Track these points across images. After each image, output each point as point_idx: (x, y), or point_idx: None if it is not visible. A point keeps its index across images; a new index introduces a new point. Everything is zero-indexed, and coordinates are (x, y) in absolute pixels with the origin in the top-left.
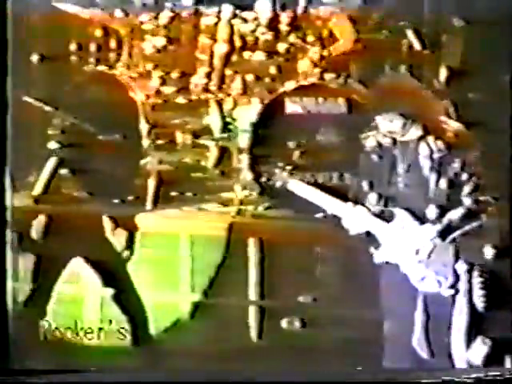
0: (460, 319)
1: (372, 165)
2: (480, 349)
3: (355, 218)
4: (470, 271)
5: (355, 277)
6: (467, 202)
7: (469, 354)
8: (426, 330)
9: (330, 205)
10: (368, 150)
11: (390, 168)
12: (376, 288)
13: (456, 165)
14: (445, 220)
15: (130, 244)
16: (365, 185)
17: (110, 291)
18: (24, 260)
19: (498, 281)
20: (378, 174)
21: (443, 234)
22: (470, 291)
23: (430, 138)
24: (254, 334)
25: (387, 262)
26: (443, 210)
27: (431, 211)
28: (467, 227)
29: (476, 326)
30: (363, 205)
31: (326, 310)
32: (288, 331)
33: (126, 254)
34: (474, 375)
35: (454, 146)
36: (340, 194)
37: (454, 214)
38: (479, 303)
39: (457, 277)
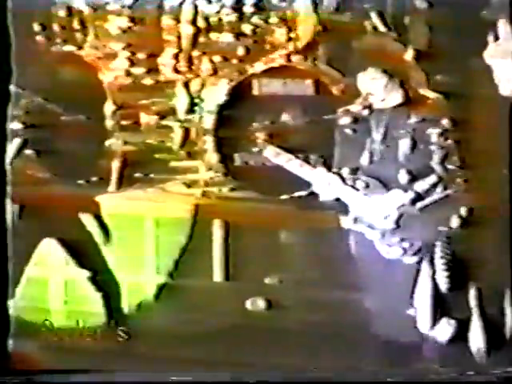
0: (424, 298)
1: (346, 138)
2: (445, 329)
3: (327, 185)
4: (434, 248)
5: (322, 257)
6: (438, 170)
7: (434, 332)
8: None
9: (304, 172)
10: (341, 125)
11: (364, 137)
12: (344, 267)
13: (430, 133)
14: (415, 187)
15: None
16: (338, 155)
17: (86, 273)
18: None
19: (462, 254)
20: (353, 145)
21: (413, 202)
22: (433, 270)
23: (409, 105)
24: (218, 315)
25: (351, 230)
26: (414, 177)
27: (402, 177)
28: (437, 196)
29: (440, 306)
30: (336, 173)
31: (291, 291)
32: (253, 312)
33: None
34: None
35: (430, 114)
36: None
37: (425, 182)
38: (442, 284)
39: (423, 245)
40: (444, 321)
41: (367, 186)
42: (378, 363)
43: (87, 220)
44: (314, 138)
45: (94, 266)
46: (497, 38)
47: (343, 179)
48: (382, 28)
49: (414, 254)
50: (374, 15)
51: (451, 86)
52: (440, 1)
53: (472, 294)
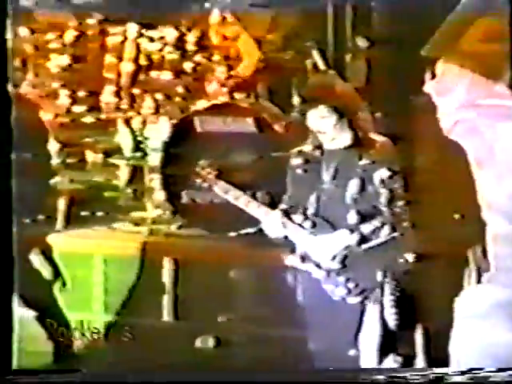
0: (372, 335)
1: (296, 178)
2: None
3: (275, 223)
4: (381, 287)
5: (270, 295)
6: (386, 212)
7: None
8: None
9: (252, 209)
10: (293, 165)
11: (315, 178)
12: (292, 306)
13: (379, 175)
14: (362, 229)
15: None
16: (288, 194)
17: (32, 313)
18: None
19: (410, 295)
20: (302, 185)
21: (359, 243)
22: (382, 309)
23: (359, 147)
24: (168, 354)
25: (298, 269)
26: (362, 219)
27: (350, 218)
28: (383, 238)
29: (388, 344)
30: (285, 213)
31: (240, 329)
32: (202, 351)
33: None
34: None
35: (379, 157)
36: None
37: (371, 224)
38: (391, 321)
39: (369, 285)
40: (391, 358)
41: (314, 225)
42: None
43: (35, 259)
44: (261, 175)
45: (43, 306)
46: (434, 76)
47: (291, 218)
48: (321, 66)
49: (358, 294)
50: (315, 53)
51: (391, 126)
52: (380, 39)
53: (419, 333)
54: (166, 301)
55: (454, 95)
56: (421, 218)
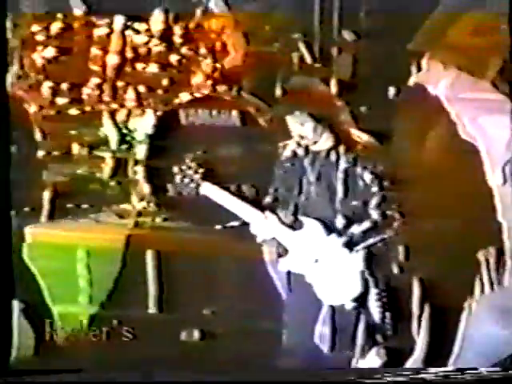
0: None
1: (284, 174)
2: (374, 360)
3: (263, 225)
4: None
5: (256, 289)
6: (374, 214)
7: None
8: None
9: (241, 210)
10: (282, 160)
11: (300, 177)
12: (276, 300)
13: (365, 177)
14: (350, 232)
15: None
16: (274, 193)
17: (20, 305)
18: None
19: (399, 298)
20: (290, 183)
21: (349, 246)
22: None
23: (341, 148)
24: (153, 346)
25: (290, 272)
26: (350, 222)
27: (338, 222)
28: (372, 240)
29: (372, 338)
30: (273, 213)
31: (225, 321)
32: (187, 343)
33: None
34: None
35: (364, 158)
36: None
37: (360, 227)
38: (376, 314)
39: (363, 289)
40: (374, 350)
41: (301, 225)
42: None
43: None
44: (246, 169)
45: (28, 298)
46: (420, 70)
47: (279, 218)
48: (308, 59)
49: (355, 299)
50: (301, 46)
51: (376, 120)
52: (366, 33)
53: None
54: (151, 293)
55: (438, 88)
56: (411, 215)
